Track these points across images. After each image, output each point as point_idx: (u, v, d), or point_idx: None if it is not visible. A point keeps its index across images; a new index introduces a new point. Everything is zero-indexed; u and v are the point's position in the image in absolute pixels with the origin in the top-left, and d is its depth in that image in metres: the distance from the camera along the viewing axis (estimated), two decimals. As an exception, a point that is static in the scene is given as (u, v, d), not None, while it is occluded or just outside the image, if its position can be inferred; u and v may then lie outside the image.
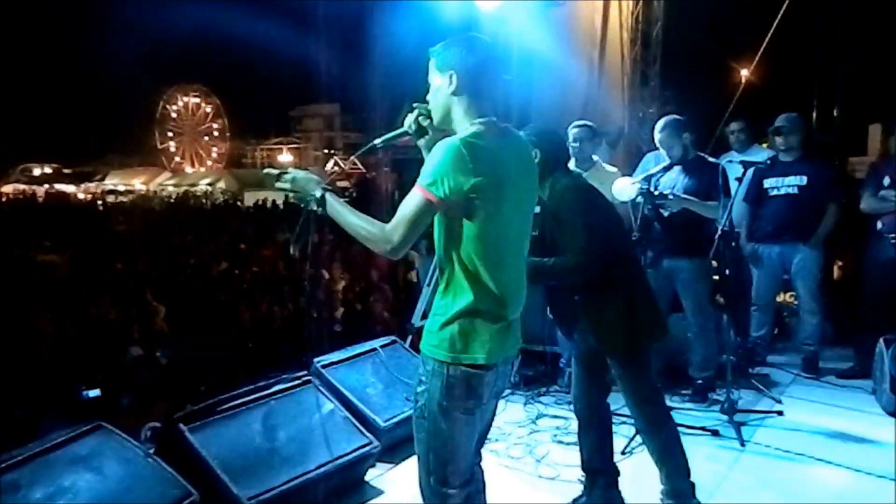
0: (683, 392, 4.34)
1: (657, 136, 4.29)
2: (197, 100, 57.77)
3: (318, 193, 1.98)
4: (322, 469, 2.89)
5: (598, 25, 6.83)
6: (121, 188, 44.76)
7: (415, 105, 2.10)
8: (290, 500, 2.76)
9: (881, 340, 4.16)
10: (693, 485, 2.89)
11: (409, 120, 2.12)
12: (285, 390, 3.20)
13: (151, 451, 2.74)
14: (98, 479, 2.43)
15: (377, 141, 2.18)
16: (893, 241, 4.48)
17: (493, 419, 2.18)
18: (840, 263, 6.30)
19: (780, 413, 4.09)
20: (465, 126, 1.95)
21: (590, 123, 4.56)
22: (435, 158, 1.84)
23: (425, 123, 2.09)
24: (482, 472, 2.17)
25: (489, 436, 3.71)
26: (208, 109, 57.73)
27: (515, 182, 1.95)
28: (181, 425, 2.76)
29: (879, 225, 4.56)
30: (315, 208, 1.99)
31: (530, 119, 6.95)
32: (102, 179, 48.79)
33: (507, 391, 4.49)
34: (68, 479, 2.35)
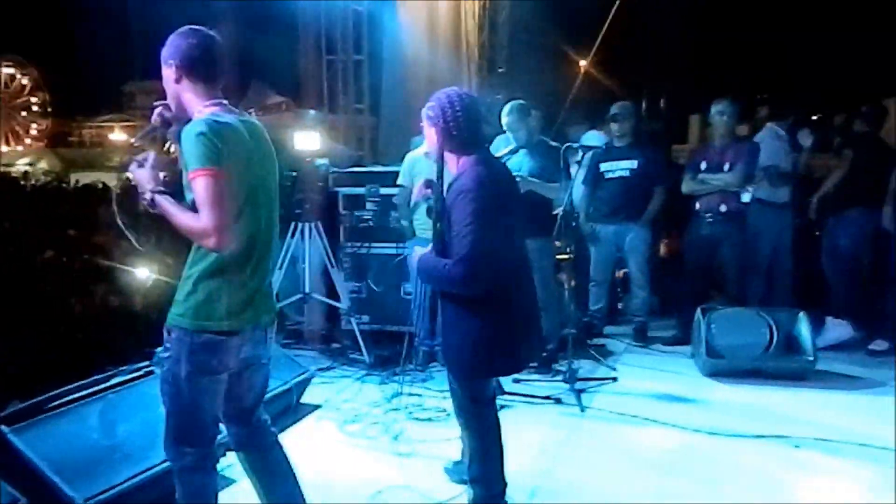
0: (531, 364, 4.57)
1: (504, 120, 4.46)
2: (10, 70, 51.83)
3: (147, 197, 2.04)
4: (168, 462, 2.75)
5: (445, 10, 6.93)
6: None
7: (156, 102, 2.20)
8: (134, 498, 2.60)
9: (699, 310, 4.62)
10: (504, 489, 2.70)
11: (155, 115, 2.18)
12: (125, 382, 3.00)
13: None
14: None
15: (134, 140, 2.29)
16: (710, 220, 4.98)
17: (263, 386, 2.30)
18: (666, 241, 6.89)
19: (614, 379, 4.44)
20: (197, 110, 2.07)
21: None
22: (193, 139, 1.94)
23: (168, 115, 2.17)
24: (263, 435, 2.32)
25: (347, 417, 3.74)
26: (25, 81, 52.00)
27: (253, 157, 2.09)
28: (4, 427, 2.51)
29: (697, 206, 5.05)
30: (149, 209, 2.05)
31: (380, 100, 6.96)
32: None
33: (362, 372, 4.52)
34: None
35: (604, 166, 5.20)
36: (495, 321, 2.47)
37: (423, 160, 4.20)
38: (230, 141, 1.98)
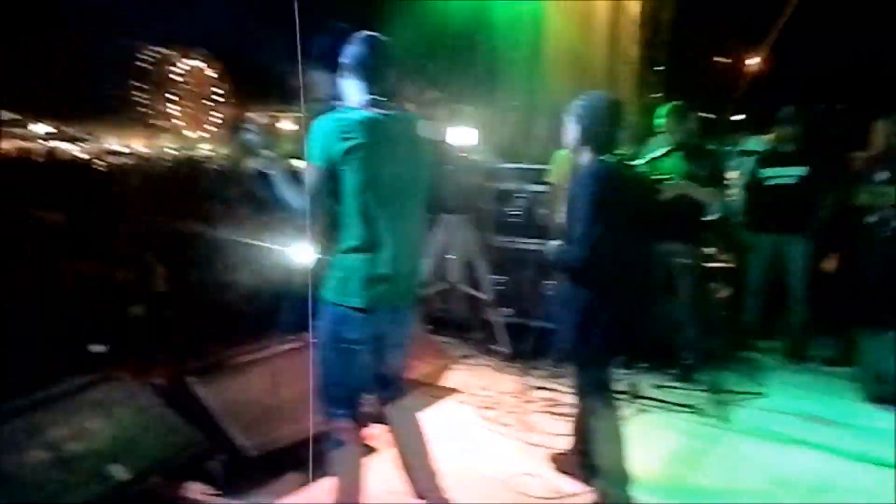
0: (671, 371, 4.48)
1: (661, 121, 4.38)
2: (200, 63, 57.21)
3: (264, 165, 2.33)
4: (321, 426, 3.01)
5: (602, 8, 6.85)
6: (122, 149, 44.54)
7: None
8: (294, 454, 2.89)
9: (864, 331, 4.28)
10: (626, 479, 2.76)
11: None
12: (291, 349, 3.32)
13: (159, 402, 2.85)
14: (111, 423, 2.55)
15: None
16: (888, 235, 4.58)
17: (401, 364, 2.51)
18: (834, 255, 6.40)
19: (760, 394, 4.24)
20: (351, 103, 2.32)
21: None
22: (310, 132, 2.22)
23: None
24: (403, 406, 2.52)
25: (484, 404, 3.87)
26: (211, 73, 57.20)
27: (389, 148, 2.26)
28: (189, 378, 2.88)
29: (873, 219, 4.65)
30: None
31: (535, 94, 7.01)
32: (103, 140, 48.51)
33: (503, 363, 4.64)
34: (84, 421, 2.48)
35: (766, 172, 4.94)
36: (611, 308, 2.64)
37: (569, 158, 4.23)
38: (349, 136, 2.17)
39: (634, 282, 2.75)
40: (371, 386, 2.48)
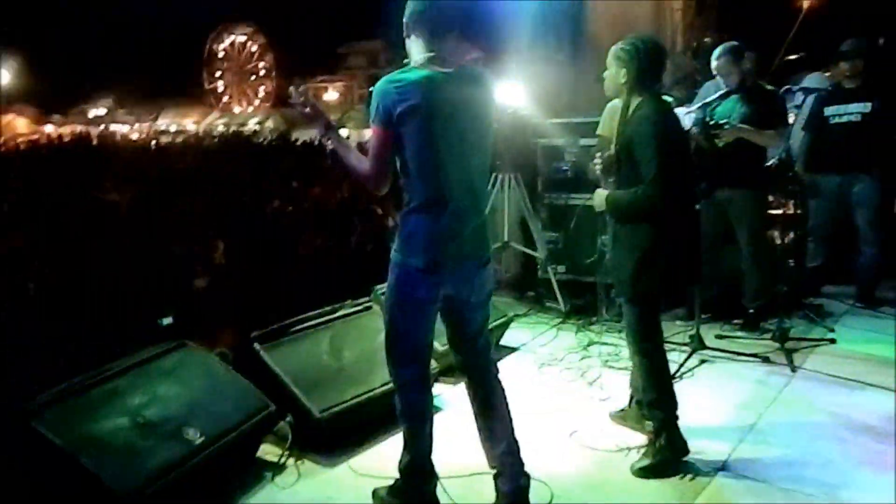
0: (735, 322, 4.39)
1: (714, 63, 4.23)
2: (244, 38, 57.60)
3: (323, 130, 2.35)
4: (385, 387, 3.06)
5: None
6: (172, 128, 45.59)
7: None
8: (358, 414, 2.96)
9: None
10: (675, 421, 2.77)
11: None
12: (349, 314, 3.39)
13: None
14: (185, 389, 2.66)
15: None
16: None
17: (482, 320, 2.47)
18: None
19: (832, 341, 4.12)
20: (414, 61, 2.30)
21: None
22: (373, 97, 2.20)
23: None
24: (484, 365, 2.48)
25: (544, 361, 3.89)
26: (255, 48, 57.57)
27: (449, 106, 2.22)
28: (256, 344, 2.97)
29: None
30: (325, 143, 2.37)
31: (580, 47, 6.84)
32: (156, 119, 49.72)
33: (558, 319, 4.63)
34: (160, 388, 2.59)
35: (829, 110, 4.71)
36: (661, 243, 2.67)
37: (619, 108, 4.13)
38: (407, 97, 2.16)
39: (692, 222, 2.83)
40: (453, 342, 2.49)
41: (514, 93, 4.89)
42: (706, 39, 7.10)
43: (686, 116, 3.97)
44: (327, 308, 3.36)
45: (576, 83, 7.12)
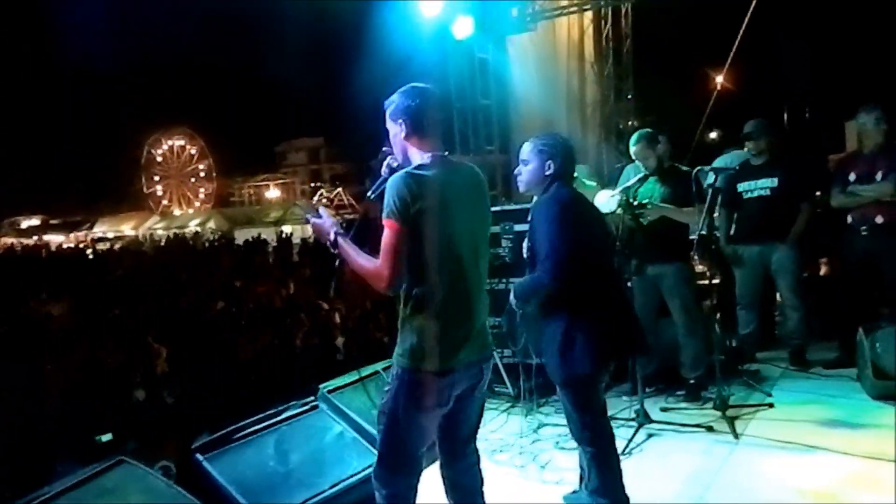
0: (678, 393, 4.50)
1: (632, 148, 4.50)
2: (181, 142, 57.90)
3: (331, 237, 2.30)
4: (336, 487, 3.02)
5: (566, 47, 7.08)
6: (110, 235, 44.72)
7: (384, 150, 2.44)
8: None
9: (860, 330, 4.33)
10: None
11: (384, 166, 2.44)
12: (295, 416, 3.34)
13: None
14: (125, 509, 2.56)
15: (369, 194, 2.47)
16: (865, 233, 4.68)
17: (477, 419, 2.44)
18: (825, 259, 6.48)
19: (771, 406, 4.25)
20: (417, 161, 2.28)
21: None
22: (389, 191, 2.16)
23: (395, 165, 2.40)
24: (470, 463, 2.47)
25: (495, 447, 3.87)
26: (193, 151, 57.83)
27: (457, 204, 2.23)
28: (198, 455, 2.90)
29: (850, 219, 4.76)
30: (331, 250, 2.30)
31: (511, 140, 7.18)
32: (91, 227, 48.73)
33: (507, 404, 4.65)
34: (98, 510, 2.48)
35: (741, 186, 5.05)
36: (586, 321, 2.71)
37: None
38: (425, 194, 2.13)
39: (612, 302, 2.84)
40: (444, 446, 2.42)
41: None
42: (629, 123, 7.59)
43: (611, 198, 4.22)
44: (271, 411, 3.31)
45: (508, 171, 7.44)
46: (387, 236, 2.14)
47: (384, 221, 2.15)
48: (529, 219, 2.86)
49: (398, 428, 2.24)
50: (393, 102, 2.33)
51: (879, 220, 4.61)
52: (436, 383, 2.19)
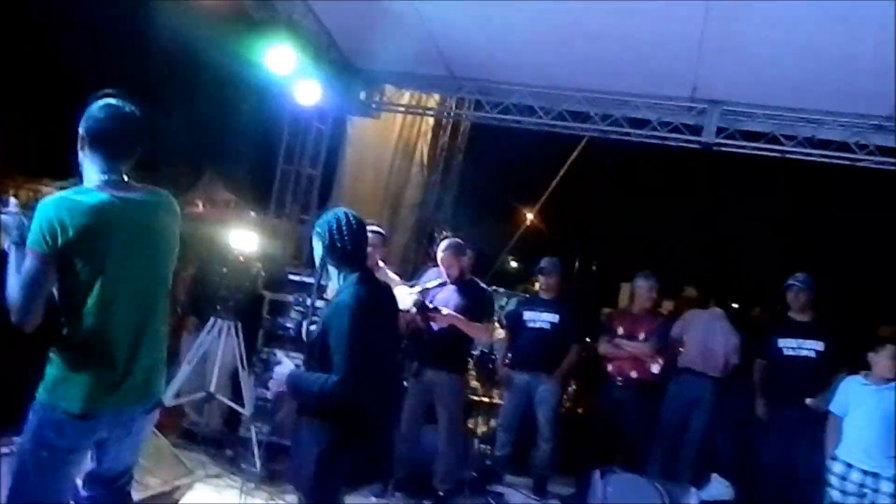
0: (426, 500, 4.46)
1: (440, 254, 4.62)
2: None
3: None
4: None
5: (401, 145, 7.33)
6: None
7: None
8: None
9: (597, 471, 4.65)
10: None
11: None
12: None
13: None
14: None
15: None
16: (619, 383, 5.14)
17: (127, 463, 2.20)
18: (581, 399, 6.99)
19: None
20: (89, 181, 2.08)
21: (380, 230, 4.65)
22: (36, 217, 1.95)
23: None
24: None
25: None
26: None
27: (130, 235, 2.05)
28: None
29: (610, 368, 5.22)
30: None
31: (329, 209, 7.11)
32: None
33: (251, 484, 4.32)
34: None
35: (526, 315, 5.35)
36: (347, 447, 2.46)
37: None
38: (79, 222, 1.93)
39: (380, 419, 2.63)
40: (89, 481, 2.15)
41: (249, 241, 4.84)
42: (444, 232, 7.88)
43: (408, 296, 4.25)
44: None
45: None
46: (26, 265, 1.93)
47: (27, 250, 1.94)
48: (327, 312, 2.55)
49: (24, 469, 2.00)
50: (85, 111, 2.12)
51: (634, 375, 5.11)
52: (73, 425, 1.97)
